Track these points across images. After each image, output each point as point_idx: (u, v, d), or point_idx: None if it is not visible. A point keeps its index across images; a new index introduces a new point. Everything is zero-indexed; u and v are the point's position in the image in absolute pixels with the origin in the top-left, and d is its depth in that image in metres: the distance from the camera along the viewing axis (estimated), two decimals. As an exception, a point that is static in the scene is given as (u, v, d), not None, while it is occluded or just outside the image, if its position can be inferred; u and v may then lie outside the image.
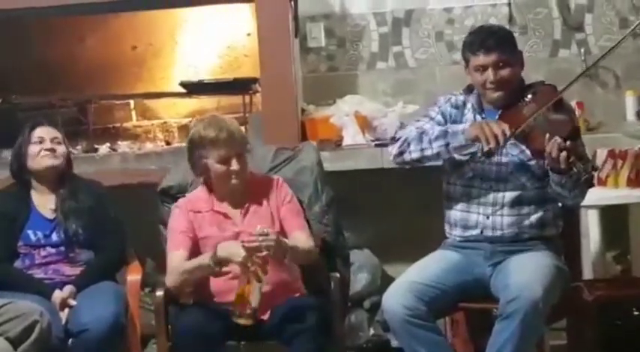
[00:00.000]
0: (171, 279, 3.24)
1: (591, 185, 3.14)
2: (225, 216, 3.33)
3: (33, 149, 3.58)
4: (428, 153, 3.24)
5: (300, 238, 3.31)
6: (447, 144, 3.21)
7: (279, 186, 3.40)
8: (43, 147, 3.57)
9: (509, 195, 3.24)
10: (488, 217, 3.26)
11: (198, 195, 3.40)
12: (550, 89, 3.22)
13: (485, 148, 3.10)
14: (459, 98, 3.35)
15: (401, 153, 3.29)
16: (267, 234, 3.08)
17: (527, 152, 3.17)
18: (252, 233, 3.09)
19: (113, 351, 3.34)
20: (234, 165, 3.27)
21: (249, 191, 3.18)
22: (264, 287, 3.09)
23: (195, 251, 3.28)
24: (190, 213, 3.33)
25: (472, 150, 3.21)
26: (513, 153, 3.23)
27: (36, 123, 3.65)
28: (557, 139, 2.98)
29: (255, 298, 3.06)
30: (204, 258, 3.18)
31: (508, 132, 3.06)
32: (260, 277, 3.05)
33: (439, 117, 3.33)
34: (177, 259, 3.25)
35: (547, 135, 3.01)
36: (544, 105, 3.10)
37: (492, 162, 3.24)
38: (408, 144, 3.28)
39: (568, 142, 2.98)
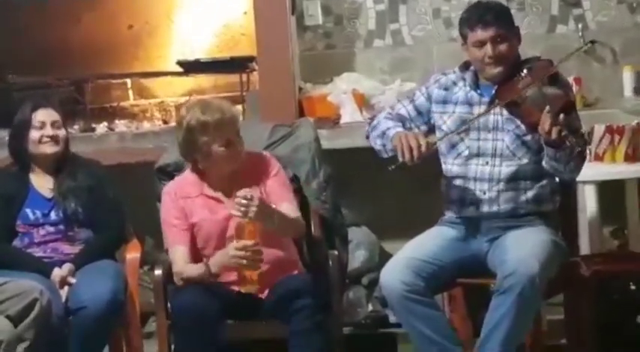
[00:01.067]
0: (177, 281, 3.25)
1: (584, 158, 3.15)
2: (217, 200, 3.30)
3: (34, 135, 3.54)
4: (375, 147, 3.30)
5: (287, 210, 3.27)
6: (384, 145, 3.24)
7: (266, 161, 3.36)
8: (44, 133, 3.54)
9: (506, 171, 3.23)
10: (484, 193, 3.25)
11: (188, 178, 3.35)
12: (546, 63, 3.21)
13: (400, 160, 3.09)
14: (449, 77, 3.33)
15: (367, 137, 3.36)
16: (251, 198, 3.07)
17: (523, 127, 3.17)
18: (237, 196, 3.08)
19: (112, 328, 3.37)
20: (239, 146, 3.25)
21: (239, 172, 3.16)
22: (263, 267, 3.12)
23: (191, 238, 3.28)
24: (180, 200, 3.30)
25: None
26: (509, 127, 3.22)
27: (37, 105, 3.59)
28: (550, 113, 2.97)
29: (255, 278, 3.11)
30: (202, 273, 3.18)
31: (424, 148, 3.07)
32: (256, 265, 3.08)
33: (421, 100, 3.34)
34: (179, 256, 3.24)
35: (540, 109, 3.01)
36: (539, 79, 3.10)
37: (488, 137, 3.24)
38: (369, 132, 3.34)
39: (561, 116, 2.98)
